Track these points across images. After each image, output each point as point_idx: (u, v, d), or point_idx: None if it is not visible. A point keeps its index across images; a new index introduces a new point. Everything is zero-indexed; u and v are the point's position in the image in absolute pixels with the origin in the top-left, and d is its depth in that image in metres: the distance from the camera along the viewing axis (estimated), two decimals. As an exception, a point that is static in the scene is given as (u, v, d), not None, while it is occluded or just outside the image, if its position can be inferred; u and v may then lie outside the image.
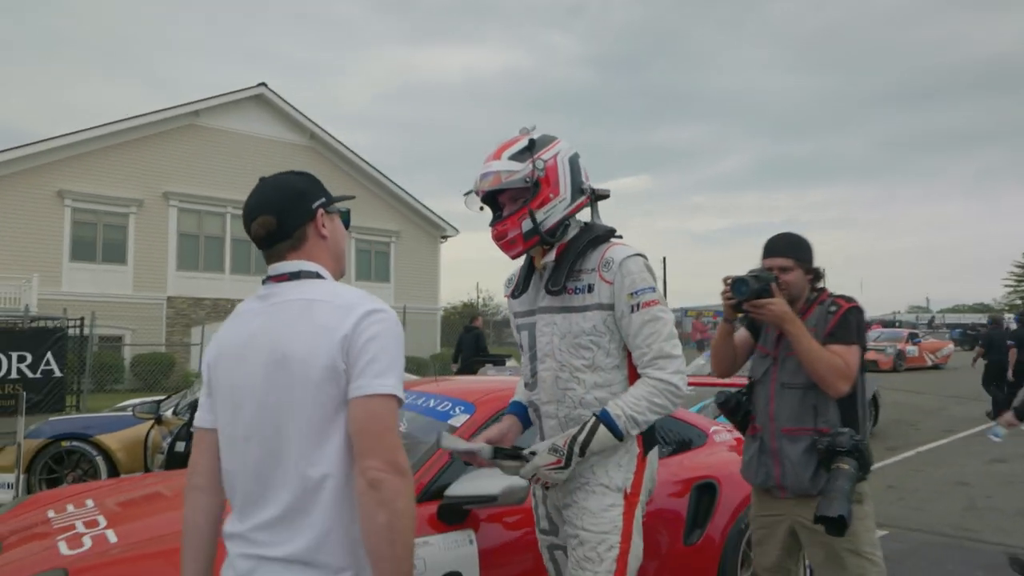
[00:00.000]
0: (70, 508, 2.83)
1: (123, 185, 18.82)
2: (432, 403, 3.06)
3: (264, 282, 1.54)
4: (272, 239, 1.51)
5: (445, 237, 25.51)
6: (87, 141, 18.23)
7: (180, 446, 5.06)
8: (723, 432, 3.81)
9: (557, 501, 2.18)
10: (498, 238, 2.10)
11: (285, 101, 21.10)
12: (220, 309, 19.75)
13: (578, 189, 2.12)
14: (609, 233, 2.17)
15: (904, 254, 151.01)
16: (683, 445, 3.55)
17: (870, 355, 18.24)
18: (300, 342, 1.38)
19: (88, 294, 17.51)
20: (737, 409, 2.76)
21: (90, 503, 2.87)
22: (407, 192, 23.93)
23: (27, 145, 17.46)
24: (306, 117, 21.56)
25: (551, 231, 2.08)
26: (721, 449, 3.64)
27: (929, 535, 5.37)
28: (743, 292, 2.47)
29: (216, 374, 1.52)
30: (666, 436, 3.52)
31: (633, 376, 2.11)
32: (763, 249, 2.64)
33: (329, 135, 22.00)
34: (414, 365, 18.16)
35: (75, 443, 5.82)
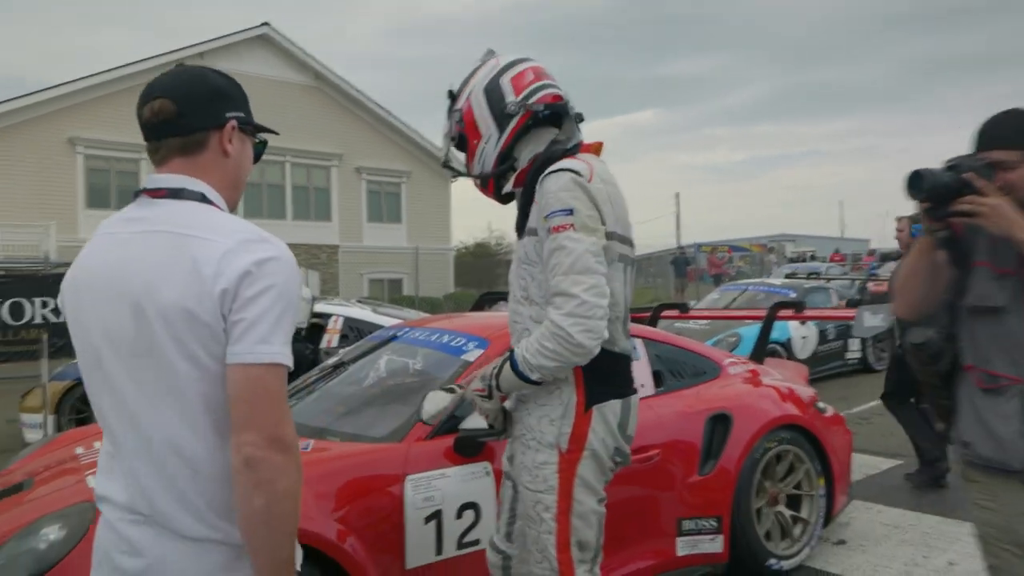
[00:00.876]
0: (97, 445, 2.91)
1: (133, 131, 17.64)
2: (446, 339, 3.07)
3: (135, 195, 1.30)
4: (161, 130, 1.27)
5: (455, 177, 25.24)
6: (94, 87, 18.02)
7: None
8: (738, 364, 3.82)
9: (512, 441, 2.09)
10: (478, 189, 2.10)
11: (289, 40, 20.64)
12: (235, 253, 19.80)
13: (502, 115, 1.92)
14: (561, 151, 1.94)
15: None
16: (696, 377, 3.56)
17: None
18: (166, 288, 1.16)
19: (104, 241, 17.58)
20: (940, 356, 1.86)
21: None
22: (417, 132, 23.61)
23: (34, 93, 17.30)
24: (311, 56, 21.13)
25: (496, 171, 1.99)
26: (735, 381, 3.65)
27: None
28: (919, 188, 1.69)
29: (66, 305, 1.31)
30: (680, 369, 3.53)
31: None
32: (976, 137, 1.79)
33: (335, 75, 21.59)
34: (428, 305, 18.25)
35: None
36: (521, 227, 1.97)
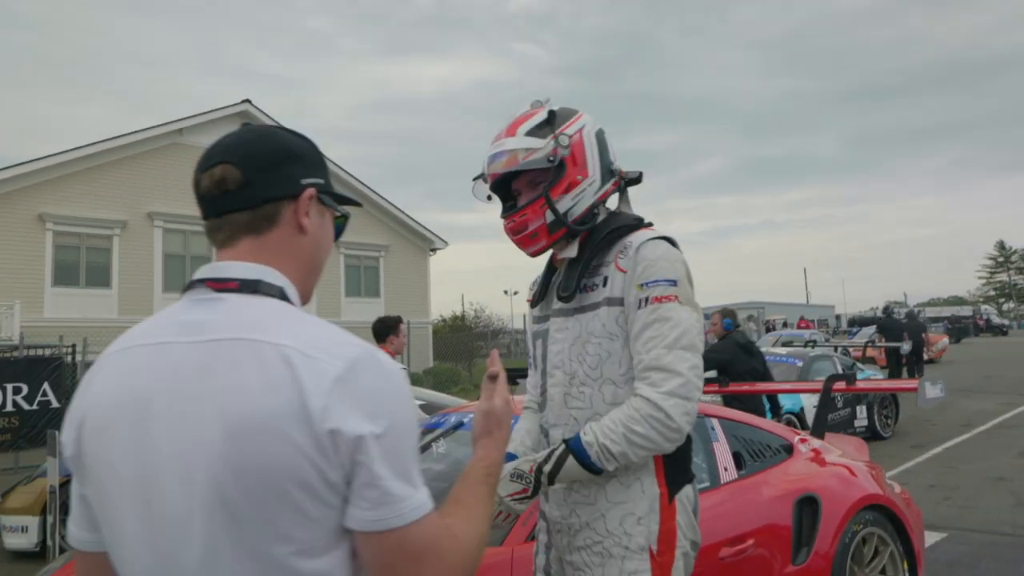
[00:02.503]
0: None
1: (106, 207, 18.33)
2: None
3: (191, 286, 0.98)
4: (224, 202, 0.98)
5: (434, 250, 25.25)
6: (68, 163, 17.73)
7: None
8: (807, 441, 3.64)
9: (563, 551, 1.73)
10: (515, 232, 1.71)
11: (270, 117, 20.75)
12: (209, 330, 19.28)
13: (607, 170, 1.75)
14: (638, 222, 1.76)
15: (881, 249, 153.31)
16: (774, 456, 3.36)
17: (869, 351, 18.24)
18: (251, 425, 0.83)
19: (72, 319, 16.96)
20: None
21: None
22: (395, 206, 23.65)
23: (4, 169, 16.94)
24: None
25: (580, 220, 1.70)
26: (810, 460, 3.47)
27: (989, 535, 5.24)
28: None
29: (94, 453, 0.93)
30: (756, 449, 3.33)
31: None
32: None
33: (314, 150, 21.68)
34: (411, 381, 17.85)
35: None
36: (570, 294, 1.71)
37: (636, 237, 1.68)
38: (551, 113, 1.71)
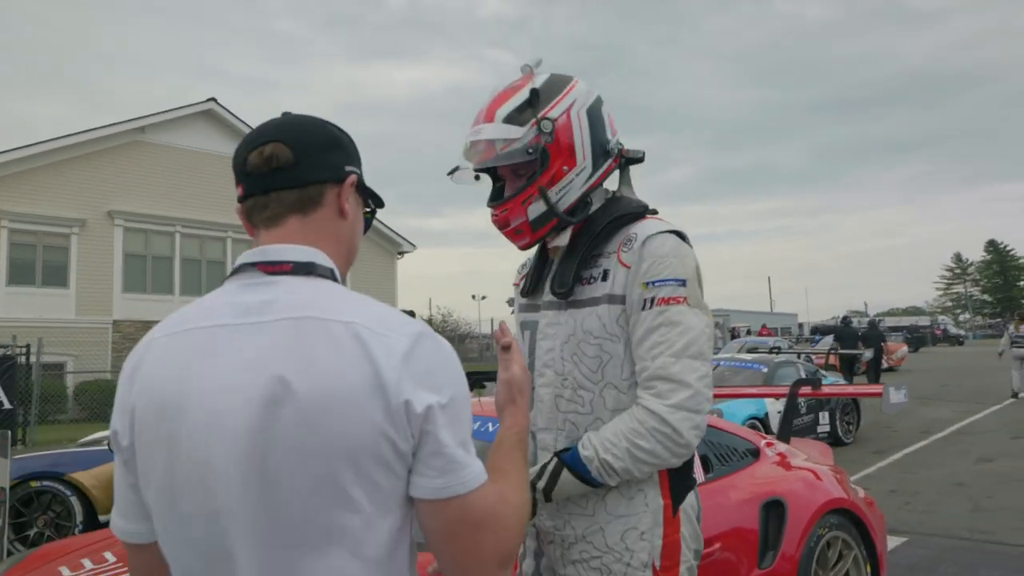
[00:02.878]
0: (88, 564, 2.46)
1: (65, 204, 17.84)
2: (491, 428, 2.80)
3: (239, 270, 0.98)
4: (273, 180, 1.00)
5: (402, 253, 25.07)
6: (25, 159, 17.22)
7: None
8: (772, 445, 3.65)
9: (556, 563, 1.60)
10: (500, 226, 1.57)
11: (236, 116, 20.42)
12: (171, 332, 18.87)
13: (602, 150, 1.57)
14: (643, 209, 1.60)
15: (844, 259, 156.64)
16: (741, 460, 3.36)
17: (832, 359, 18.58)
18: (329, 400, 0.85)
19: (27, 320, 16.46)
20: None
21: (111, 556, 2.50)
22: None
23: (-42, 164, 16.41)
24: (258, 132, 20.93)
25: (570, 211, 1.55)
26: (776, 463, 3.48)
27: (948, 539, 5.32)
28: None
29: (152, 441, 0.91)
30: (723, 452, 3.33)
31: None
32: None
33: (282, 150, 21.40)
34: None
35: (46, 483, 5.27)
36: (567, 290, 1.56)
37: (642, 228, 1.53)
38: (533, 92, 1.52)
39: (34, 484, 5.24)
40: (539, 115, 1.49)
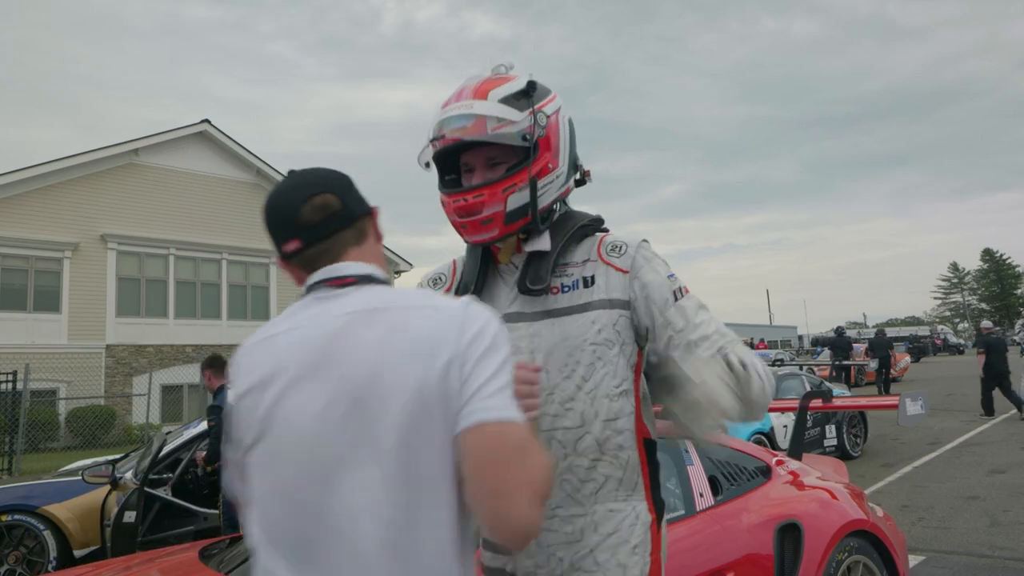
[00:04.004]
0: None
1: (57, 228, 17.66)
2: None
3: (312, 288, 1.14)
4: (332, 225, 1.14)
5: (399, 272, 24.91)
6: (16, 183, 17.07)
7: (129, 516, 4.45)
8: (784, 463, 3.43)
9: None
10: (465, 213, 1.45)
11: (229, 138, 20.32)
12: (164, 356, 18.60)
13: (573, 163, 1.57)
14: (599, 222, 1.61)
15: (840, 272, 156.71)
16: (751, 480, 3.14)
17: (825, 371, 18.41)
18: (395, 365, 1.03)
19: (18, 345, 16.25)
20: None
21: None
22: (359, 227, 23.32)
23: (-52, 189, 16.24)
24: (252, 154, 20.80)
25: (544, 214, 1.50)
26: (788, 483, 3.26)
27: (968, 557, 5.08)
28: None
29: (282, 419, 1.05)
30: (733, 472, 3.11)
31: (640, 407, 1.49)
32: None
33: (276, 171, 21.28)
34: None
35: (17, 516, 5.02)
36: (544, 287, 1.47)
37: (619, 238, 1.54)
38: (531, 84, 1.47)
39: (4, 518, 4.99)
40: (535, 106, 1.46)
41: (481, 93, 1.45)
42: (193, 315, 19.48)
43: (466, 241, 1.52)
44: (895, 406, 3.55)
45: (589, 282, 1.48)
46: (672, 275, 1.50)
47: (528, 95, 1.46)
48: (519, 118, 1.43)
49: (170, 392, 18.14)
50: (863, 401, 4.68)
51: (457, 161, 1.52)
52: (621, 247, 1.50)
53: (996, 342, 12.87)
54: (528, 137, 1.42)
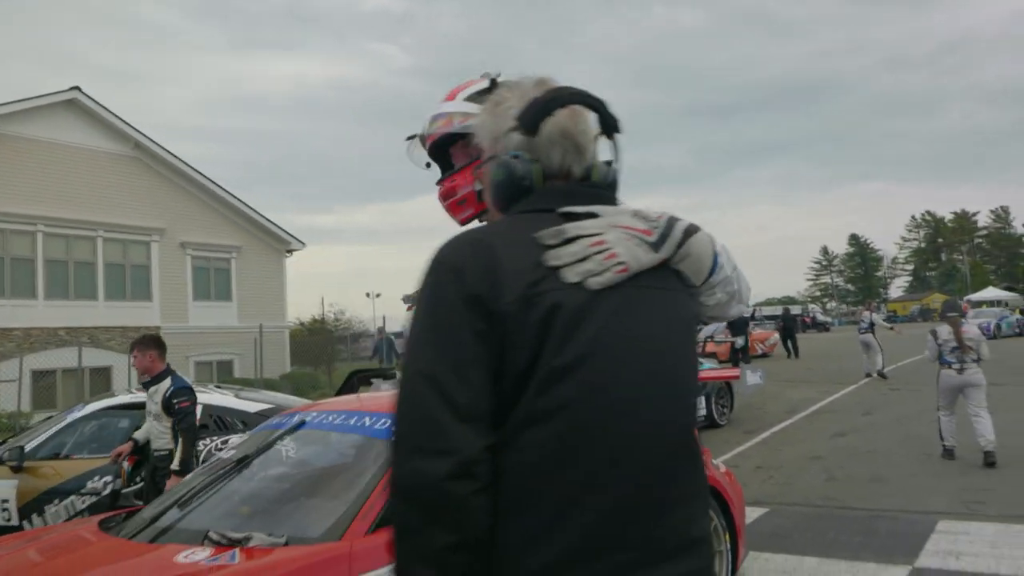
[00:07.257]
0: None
1: None
2: (368, 421, 2.84)
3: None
4: None
5: (291, 251, 24.34)
6: None
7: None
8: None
9: None
10: (445, 197, 1.71)
11: (103, 107, 19.13)
12: (34, 339, 17.46)
13: None
14: None
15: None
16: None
17: (710, 347, 19.68)
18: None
19: None
20: None
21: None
22: (248, 205, 22.57)
23: None
24: (129, 125, 19.67)
25: None
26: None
27: (805, 507, 5.83)
28: None
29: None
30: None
31: None
32: None
33: (157, 144, 20.26)
34: (266, 387, 17.11)
35: None
36: None
37: None
38: (492, 82, 1.71)
39: None
40: None
41: (451, 96, 1.73)
42: (65, 296, 18.36)
43: (457, 223, 1.73)
44: (737, 376, 4.08)
45: None
46: None
47: (491, 92, 1.63)
48: (480, 111, 1.65)
49: (41, 377, 17.09)
50: (712, 373, 5.25)
51: (450, 157, 1.75)
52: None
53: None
54: None
